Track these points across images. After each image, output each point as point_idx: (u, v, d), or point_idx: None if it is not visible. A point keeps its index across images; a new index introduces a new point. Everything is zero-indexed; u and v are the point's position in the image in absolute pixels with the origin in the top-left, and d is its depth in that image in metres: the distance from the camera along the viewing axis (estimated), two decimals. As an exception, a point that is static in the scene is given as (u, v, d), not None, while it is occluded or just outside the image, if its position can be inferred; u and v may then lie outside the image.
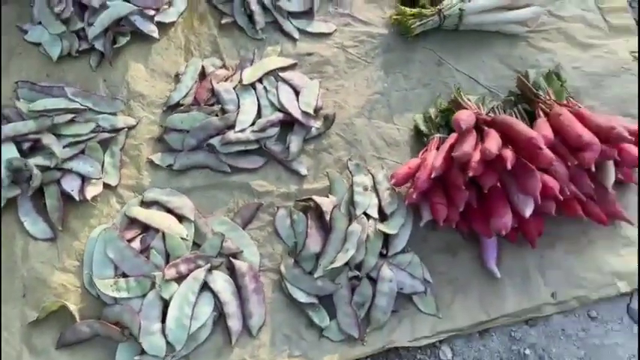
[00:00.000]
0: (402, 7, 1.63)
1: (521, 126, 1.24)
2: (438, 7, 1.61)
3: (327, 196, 1.37)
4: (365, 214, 1.33)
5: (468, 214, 1.29)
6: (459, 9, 1.60)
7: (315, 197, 1.34)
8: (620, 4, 1.75)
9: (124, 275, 1.23)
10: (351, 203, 1.34)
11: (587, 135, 1.26)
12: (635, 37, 1.69)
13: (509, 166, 1.18)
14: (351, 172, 1.41)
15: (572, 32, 1.69)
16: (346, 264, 1.26)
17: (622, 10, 1.75)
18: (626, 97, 1.57)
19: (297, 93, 1.50)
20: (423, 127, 1.48)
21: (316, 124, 1.47)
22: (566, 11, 1.72)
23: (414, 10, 1.61)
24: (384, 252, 1.30)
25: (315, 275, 1.25)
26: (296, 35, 1.64)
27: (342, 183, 1.40)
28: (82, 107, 1.41)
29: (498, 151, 1.20)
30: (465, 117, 1.25)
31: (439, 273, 1.32)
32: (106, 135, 1.40)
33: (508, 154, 1.20)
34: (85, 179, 1.35)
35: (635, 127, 1.35)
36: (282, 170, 1.43)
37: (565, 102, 1.44)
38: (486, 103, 1.47)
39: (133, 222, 1.31)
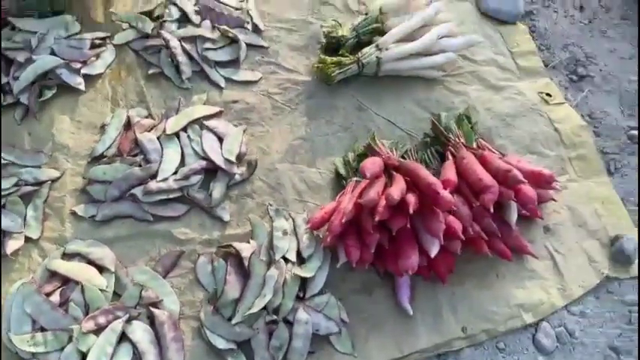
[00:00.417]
0: (323, 57, 1.71)
1: (423, 171, 1.32)
2: (357, 55, 1.70)
3: (249, 242, 1.42)
4: (284, 257, 1.38)
5: (382, 254, 1.35)
6: (376, 57, 1.69)
7: (234, 243, 1.39)
8: (529, 48, 1.88)
9: (42, 329, 1.24)
10: (271, 247, 1.39)
11: (487, 178, 1.35)
12: (543, 79, 1.82)
13: (411, 211, 1.25)
14: (271, 218, 1.46)
15: (484, 75, 1.80)
16: (264, 308, 1.31)
17: (531, 54, 1.88)
18: (534, 135, 1.68)
19: (221, 141, 1.56)
20: (342, 171, 1.55)
21: (239, 171, 1.52)
22: (479, 55, 1.84)
23: (335, 59, 1.70)
24: (302, 294, 1.35)
25: (234, 321, 1.29)
26: (222, 84, 1.70)
27: (263, 228, 1.45)
28: (5, 162, 1.43)
29: (402, 196, 1.27)
30: (369, 165, 1.33)
31: (356, 312, 1.37)
32: (29, 188, 1.42)
33: (411, 198, 1.28)
34: (5, 233, 1.36)
35: (535, 168, 1.45)
36: (205, 217, 1.47)
37: (475, 144, 1.53)
38: (399, 147, 1.55)
39: (53, 275, 1.32)
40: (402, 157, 1.52)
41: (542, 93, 1.78)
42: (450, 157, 1.49)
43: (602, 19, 2.00)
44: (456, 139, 1.53)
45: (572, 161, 1.65)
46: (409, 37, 1.74)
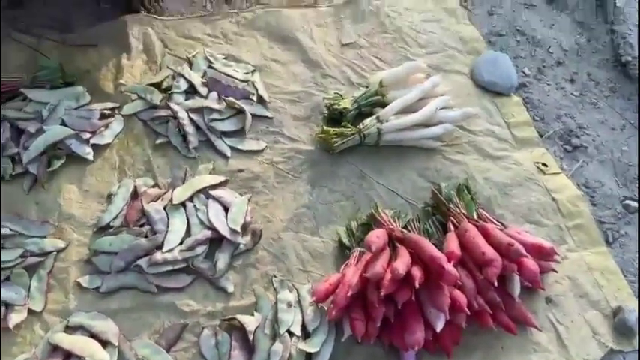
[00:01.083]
0: (326, 128, 1.77)
1: (428, 245, 1.34)
2: (359, 126, 1.76)
3: (253, 314, 1.42)
4: (288, 331, 1.37)
5: (387, 327, 1.35)
6: (377, 128, 1.75)
7: (239, 316, 1.38)
8: (523, 119, 1.95)
9: (42, 407, 1.22)
10: (275, 320, 1.39)
11: (490, 252, 1.38)
12: (538, 149, 1.88)
13: (417, 285, 1.26)
14: (275, 289, 1.47)
15: (482, 145, 1.86)
16: (269, 384, 1.29)
17: (526, 125, 1.94)
18: (532, 205, 1.71)
19: (226, 210, 1.58)
20: (345, 241, 1.57)
21: (243, 241, 1.54)
22: (476, 126, 1.90)
23: (337, 130, 1.75)
24: (307, 369, 1.34)
25: (238, 398, 1.27)
26: (228, 153, 1.74)
27: (267, 299, 1.45)
28: (12, 232, 1.44)
29: (407, 269, 1.29)
30: (375, 238, 1.35)
31: (361, 387, 1.36)
32: (35, 259, 1.42)
33: (417, 272, 1.29)
34: (8, 306, 1.35)
35: (536, 240, 1.48)
36: (209, 288, 1.47)
37: (475, 215, 1.57)
38: (402, 218, 1.58)
39: (55, 349, 1.30)
40: (405, 227, 1.55)
41: (538, 163, 1.83)
42: (452, 228, 1.52)
43: (592, 91, 2.09)
44: (457, 209, 1.56)
45: (571, 231, 1.68)
46: (408, 109, 1.81)
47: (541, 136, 1.93)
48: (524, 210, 1.71)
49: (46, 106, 1.68)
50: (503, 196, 1.73)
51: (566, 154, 1.90)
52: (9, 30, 1.91)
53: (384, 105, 1.84)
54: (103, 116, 1.72)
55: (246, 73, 1.94)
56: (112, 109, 1.76)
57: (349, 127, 1.77)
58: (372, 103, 1.85)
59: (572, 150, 1.91)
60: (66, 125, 1.66)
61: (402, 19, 2.18)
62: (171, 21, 2.05)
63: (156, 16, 2.04)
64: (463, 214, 1.55)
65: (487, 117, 1.94)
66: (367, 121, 1.77)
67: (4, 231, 1.43)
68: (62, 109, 1.69)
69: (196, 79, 1.85)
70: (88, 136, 1.66)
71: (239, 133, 1.79)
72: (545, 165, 1.83)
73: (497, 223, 1.56)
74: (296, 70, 2.00)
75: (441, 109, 1.82)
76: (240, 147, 1.77)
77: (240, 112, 1.81)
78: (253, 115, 1.83)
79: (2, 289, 1.35)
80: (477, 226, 1.49)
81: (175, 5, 2.14)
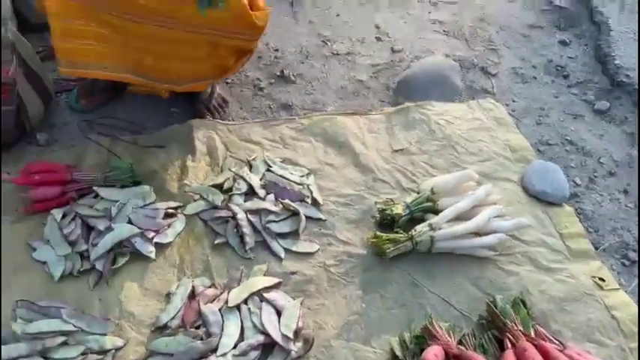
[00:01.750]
0: (379, 233, 1.80)
1: (486, 366, 1.32)
2: (411, 233, 1.79)
3: None
4: None
5: None
6: (430, 236, 1.77)
7: None
8: (577, 230, 1.94)
9: None
10: None
11: (551, 374, 1.33)
12: (594, 262, 1.85)
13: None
14: (327, 401, 1.44)
15: (535, 256, 1.84)
16: None
17: (580, 236, 1.92)
18: (590, 322, 1.66)
19: (279, 314, 1.60)
20: (398, 353, 1.54)
21: (295, 348, 1.53)
22: (529, 236, 1.90)
23: (389, 236, 1.78)
24: None
25: None
26: (282, 255, 1.78)
27: (318, 412, 1.42)
28: (75, 329, 1.49)
29: (466, 391, 1.26)
30: (432, 357, 1.33)
31: None
32: (94, 357, 1.46)
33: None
34: (65, 405, 1.37)
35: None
36: (260, 396, 1.46)
37: (532, 331, 1.53)
38: (457, 332, 1.55)
39: None
40: (460, 341, 1.52)
41: (595, 277, 1.79)
42: (510, 345, 1.48)
43: (647, 204, 2.08)
44: (514, 325, 1.53)
45: (634, 352, 1.61)
46: (460, 216, 1.84)
47: (596, 248, 1.90)
48: (583, 327, 1.65)
49: (115, 204, 1.79)
50: (559, 311, 1.69)
51: (623, 269, 1.86)
52: (88, 131, 2.08)
53: (435, 211, 1.87)
54: (166, 215, 1.81)
55: (302, 176, 2.02)
56: (176, 208, 1.85)
57: (401, 234, 1.79)
58: (424, 209, 1.89)
59: (629, 264, 1.87)
60: (132, 223, 1.75)
61: (451, 127, 2.27)
62: (234, 125, 2.19)
63: (220, 121, 2.19)
64: (520, 330, 1.51)
65: (540, 227, 1.93)
66: (419, 228, 1.79)
67: (68, 327, 1.49)
68: (130, 208, 1.79)
69: (255, 181, 1.94)
70: (151, 234, 1.74)
71: (293, 234, 1.85)
72: (602, 280, 1.78)
73: (557, 342, 1.51)
74: (349, 174, 2.07)
75: (494, 218, 1.84)
76: (293, 249, 1.81)
77: (295, 214, 1.88)
78: (307, 217, 1.89)
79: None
80: (535, 345, 1.45)
81: (238, 111, 2.30)
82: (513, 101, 2.47)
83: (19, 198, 1.79)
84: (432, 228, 1.79)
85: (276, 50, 2.57)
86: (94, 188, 1.84)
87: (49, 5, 1.65)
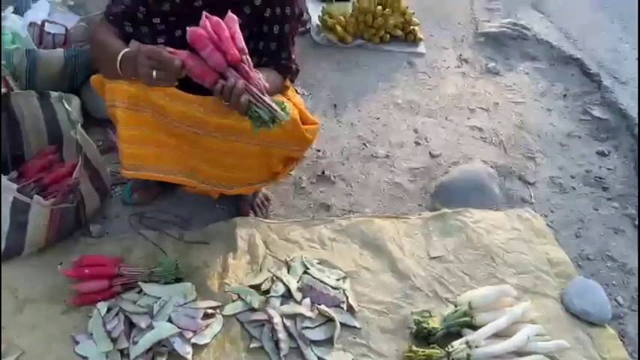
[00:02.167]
0: (414, 347, 1.79)
1: None
2: (447, 349, 1.76)
3: None
4: None
5: None
6: (467, 354, 1.74)
7: None
8: (621, 356, 1.87)
9: None
10: None
11: None
12: (641, 392, 1.77)
13: None
14: None
15: (577, 380, 1.78)
16: None
17: (624, 361, 1.86)
18: None
19: None
20: None
21: None
22: (569, 358, 1.84)
23: (425, 352, 1.76)
24: None
25: None
26: (315, 363, 1.78)
27: None
28: None
29: None
30: None
31: None
32: None
33: None
34: None
35: None
36: None
37: None
38: None
39: None
40: None
41: (641, 408, 1.71)
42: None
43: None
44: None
45: None
46: (498, 333, 1.81)
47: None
48: None
49: (157, 301, 1.84)
50: None
51: (674, 399, 1.77)
52: (138, 225, 2.19)
53: (472, 326, 1.85)
54: (205, 315, 1.85)
55: (338, 279, 2.05)
56: (215, 308, 1.89)
57: (437, 350, 1.77)
58: (461, 324, 1.87)
59: (678, 396, 1.78)
60: (172, 322, 1.79)
61: (489, 236, 2.28)
62: (275, 224, 2.26)
63: (262, 219, 2.27)
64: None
65: (581, 349, 1.88)
66: (456, 345, 1.77)
67: None
68: (171, 306, 1.84)
69: (293, 284, 1.98)
70: (190, 334, 1.77)
71: (327, 342, 1.84)
72: (649, 413, 1.70)
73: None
74: (385, 279, 2.09)
75: (533, 337, 1.80)
76: (327, 358, 1.80)
77: (330, 320, 1.89)
78: (342, 324, 1.89)
79: None
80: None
81: (279, 209, 2.38)
82: (552, 212, 2.48)
83: (69, 290, 1.87)
84: (469, 346, 1.76)
85: (319, 151, 2.69)
86: (139, 283, 1.91)
87: (120, 115, 1.80)
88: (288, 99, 1.99)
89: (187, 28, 1.51)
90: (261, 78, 1.59)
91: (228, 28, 1.54)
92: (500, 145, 2.86)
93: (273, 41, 1.89)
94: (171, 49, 1.51)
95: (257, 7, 1.83)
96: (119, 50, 1.67)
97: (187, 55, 1.51)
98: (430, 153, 2.76)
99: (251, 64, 1.57)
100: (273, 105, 1.53)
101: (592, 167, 2.75)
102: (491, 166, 2.68)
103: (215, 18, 1.53)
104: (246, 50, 1.56)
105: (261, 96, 1.53)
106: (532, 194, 2.56)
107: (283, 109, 1.56)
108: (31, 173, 2.15)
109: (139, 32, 1.87)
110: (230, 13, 1.59)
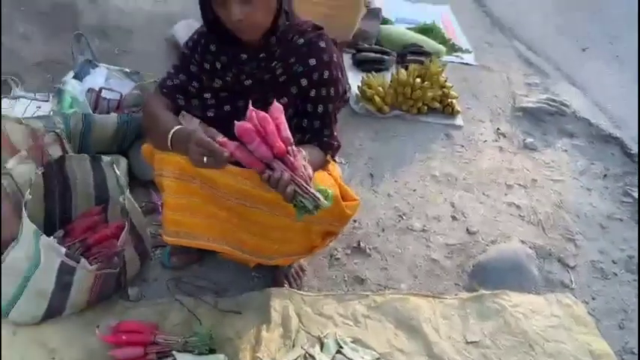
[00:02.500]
0: None
1: None
2: None
3: None
4: None
5: None
6: None
7: None
8: None
9: None
10: None
11: None
12: None
13: None
14: None
15: None
16: None
17: None
18: None
19: None
20: None
21: None
22: None
23: None
24: None
25: None
26: None
27: None
28: None
29: None
30: None
31: None
32: None
33: None
34: None
35: None
36: None
37: None
38: None
39: None
40: None
41: None
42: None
43: None
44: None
45: None
46: None
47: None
48: None
49: (191, 370, 1.84)
50: None
51: None
52: (175, 290, 2.22)
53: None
54: (237, 389, 1.84)
55: (373, 358, 2.01)
56: (247, 381, 1.88)
57: None
58: (499, 418, 1.81)
59: None
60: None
61: (528, 321, 2.22)
62: (309, 297, 2.26)
63: (296, 291, 2.27)
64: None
65: None
66: None
67: None
68: (204, 378, 1.83)
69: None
70: (221, 410, 1.76)
71: None
72: None
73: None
74: (420, 363, 2.04)
75: None
76: None
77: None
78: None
79: None
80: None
81: (314, 280, 2.38)
82: (593, 299, 2.41)
83: (105, 355, 1.88)
84: None
85: (355, 221, 2.70)
86: (173, 352, 1.91)
87: (168, 185, 1.87)
88: (329, 172, 2.03)
89: (235, 122, 1.57)
90: (307, 166, 1.62)
91: (274, 119, 1.60)
92: (538, 224, 2.83)
93: (317, 119, 1.95)
94: (221, 139, 1.57)
95: (303, 87, 1.89)
96: (171, 127, 1.74)
97: (236, 147, 1.57)
98: (467, 229, 2.74)
99: (296, 153, 1.61)
100: (317, 194, 1.57)
101: (635, 253, 2.68)
102: (530, 247, 2.64)
103: (262, 113, 1.59)
104: (292, 140, 1.61)
105: (307, 187, 1.57)
106: (572, 279, 2.50)
107: (326, 197, 1.59)
108: (77, 233, 2.21)
109: (190, 105, 1.97)
110: (275, 103, 1.65)
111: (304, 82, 1.89)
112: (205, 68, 1.92)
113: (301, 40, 1.86)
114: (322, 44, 1.87)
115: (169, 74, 1.99)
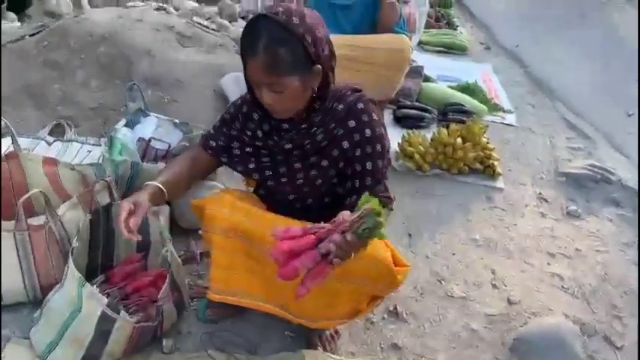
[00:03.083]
0: None
1: None
2: None
3: None
4: None
5: None
6: None
7: None
8: None
9: None
10: None
11: None
12: None
13: None
14: None
15: None
16: None
17: None
18: None
19: None
20: None
21: None
22: None
23: None
24: None
25: None
26: None
27: None
28: None
29: None
30: None
31: None
32: None
33: None
34: None
35: None
36: None
37: None
38: None
39: None
40: None
41: None
42: None
43: None
44: None
45: None
46: None
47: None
48: None
49: None
50: None
51: None
52: (208, 344, 2.20)
53: None
54: None
55: None
56: None
57: None
58: None
59: None
60: None
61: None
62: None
63: (330, 355, 2.21)
64: None
65: None
66: None
67: None
68: None
69: None
70: None
71: None
72: None
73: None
74: None
75: None
76: None
77: None
78: None
79: None
80: None
81: (348, 344, 2.33)
82: (644, 384, 2.28)
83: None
84: None
85: (392, 283, 2.65)
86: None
87: (217, 241, 1.89)
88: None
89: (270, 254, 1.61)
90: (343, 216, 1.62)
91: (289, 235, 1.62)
92: (582, 297, 2.72)
93: (368, 176, 1.93)
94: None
95: (345, 149, 1.91)
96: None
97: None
98: (508, 299, 2.65)
99: (323, 227, 1.61)
100: (362, 213, 1.56)
101: (689, 336, 2.53)
102: (574, 321, 2.53)
103: (280, 228, 1.63)
104: (310, 225, 1.64)
105: (352, 221, 1.56)
106: (620, 360, 2.38)
107: (369, 202, 1.58)
108: (117, 279, 2.24)
109: (233, 162, 2.01)
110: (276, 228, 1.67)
111: (345, 144, 1.90)
112: (247, 134, 1.97)
113: (340, 106, 1.89)
114: (360, 105, 1.89)
115: (211, 135, 2.06)
